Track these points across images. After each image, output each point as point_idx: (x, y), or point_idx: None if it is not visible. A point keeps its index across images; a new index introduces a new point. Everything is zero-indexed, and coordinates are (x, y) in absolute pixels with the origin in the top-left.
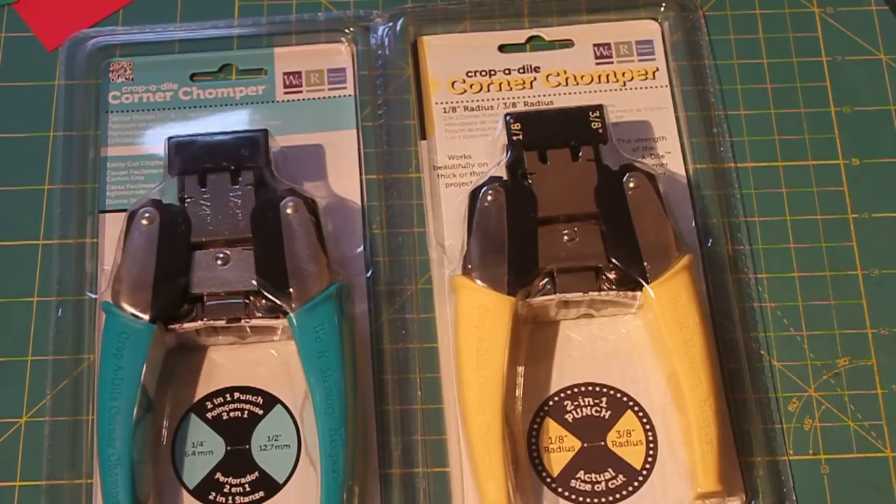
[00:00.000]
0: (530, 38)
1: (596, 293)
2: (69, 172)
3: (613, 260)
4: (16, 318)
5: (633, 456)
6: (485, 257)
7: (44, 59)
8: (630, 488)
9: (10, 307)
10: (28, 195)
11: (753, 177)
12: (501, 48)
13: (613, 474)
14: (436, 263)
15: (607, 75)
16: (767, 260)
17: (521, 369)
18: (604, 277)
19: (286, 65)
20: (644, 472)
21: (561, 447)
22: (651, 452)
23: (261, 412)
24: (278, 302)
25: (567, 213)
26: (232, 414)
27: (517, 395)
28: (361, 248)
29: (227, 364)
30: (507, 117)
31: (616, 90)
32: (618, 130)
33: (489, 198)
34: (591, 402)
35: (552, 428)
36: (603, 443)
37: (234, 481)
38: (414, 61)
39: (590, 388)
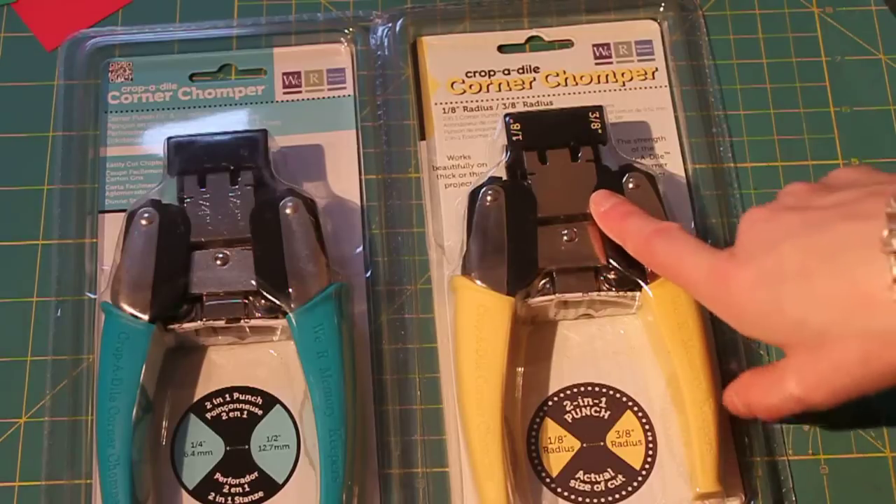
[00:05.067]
0: (530, 39)
1: (595, 293)
2: (68, 172)
3: (612, 261)
4: (15, 318)
5: (633, 456)
6: (484, 258)
7: (43, 59)
8: (629, 488)
9: (10, 307)
10: (28, 195)
11: (753, 177)
12: (501, 48)
13: (613, 474)
14: (435, 264)
15: (607, 75)
16: None
17: (520, 369)
18: (603, 278)
19: (285, 65)
20: (643, 473)
21: (560, 447)
22: (650, 452)
23: (260, 412)
24: (277, 302)
25: (567, 213)
26: (231, 414)
27: (517, 395)
28: (361, 249)
29: (227, 364)
30: (507, 118)
31: (615, 90)
32: (617, 130)
33: (489, 198)
34: (591, 403)
35: (551, 428)
36: (602, 443)
37: (233, 481)
38: (413, 61)
39: (589, 389)
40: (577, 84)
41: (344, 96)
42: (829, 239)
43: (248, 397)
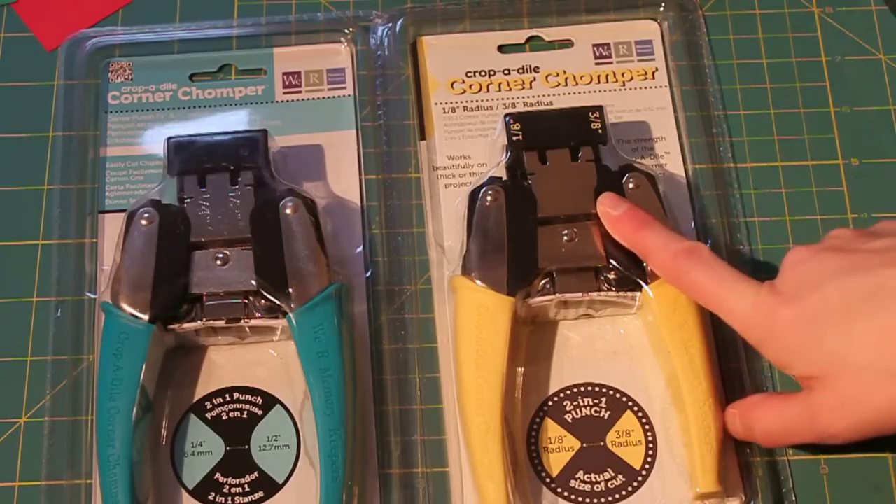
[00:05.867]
0: (530, 39)
1: (595, 293)
2: (68, 172)
3: (612, 261)
4: (15, 318)
5: (633, 456)
6: (484, 258)
7: (43, 59)
8: (629, 488)
9: (10, 307)
10: (28, 195)
11: (753, 177)
12: (501, 48)
13: (613, 474)
14: (435, 264)
15: (607, 75)
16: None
17: (520, 369)
18: (603, 278)
19: (285, 65)
20: (643, 473)
21: (560, 447)
22: (650, 453)
23: (260, 412)
24: (277, 302)
25: (567, 213)
26: (231, 414)
27: (517, 395)
28: (361, 249)
29: (227, 364)
30: (507, 118)
31: (615, 90)
32: (617, 130)
33: (489, 198)
34: (591, 403)
35: (551, 428)
36: (602, 443)
37: (233, 481)
38: (413, 61)
39: (589, 389)
40: (577, 84)
41: (344, 96)
42: (872, 282)
43: (248, 397)
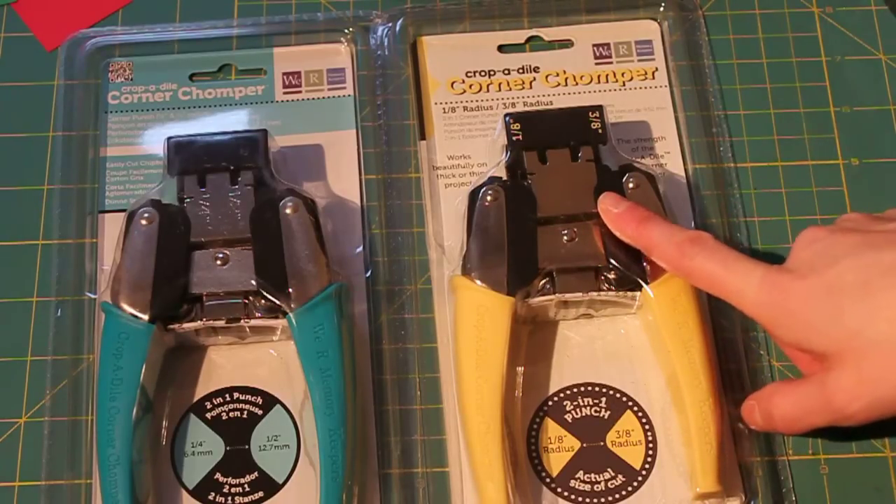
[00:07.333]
0: (530, 39)
1: (595, 293)
2: (68, 172)
3: (612, 260)
4: (15, 318)
5: (633, 456)
6: (484, 257)
7: (43, 59)
8: (629, 488)
9: (10, 307)
10: (28, 195)
11: (753, 177)
12: (501, 48)
13: (613, 474)
14: (435, 263)
15: (607, 75)
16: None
17: (520, 369)
18: (603, 278)
19: (285, 65)
20: (643, 473)
21: (560, 447)
22: (650, 452)
23: (260, 412)
24: (277, 302)
25: (567, 213)
26: (231, 414)
27: (517, 395)
28: (361, 248)
29: (227, 364)
30: (507, 118)
31: (615, 90)
32: (617, 130)
33: (489, 198)
34: (591, 403)
35: (551, 428)
36: (602, 443)
37: (233, 481)
38: (413, 61)
39: (589, 389)
40: (577, 84)
41: (344, 96)
42: (890, 257)
43: (248, 397)
